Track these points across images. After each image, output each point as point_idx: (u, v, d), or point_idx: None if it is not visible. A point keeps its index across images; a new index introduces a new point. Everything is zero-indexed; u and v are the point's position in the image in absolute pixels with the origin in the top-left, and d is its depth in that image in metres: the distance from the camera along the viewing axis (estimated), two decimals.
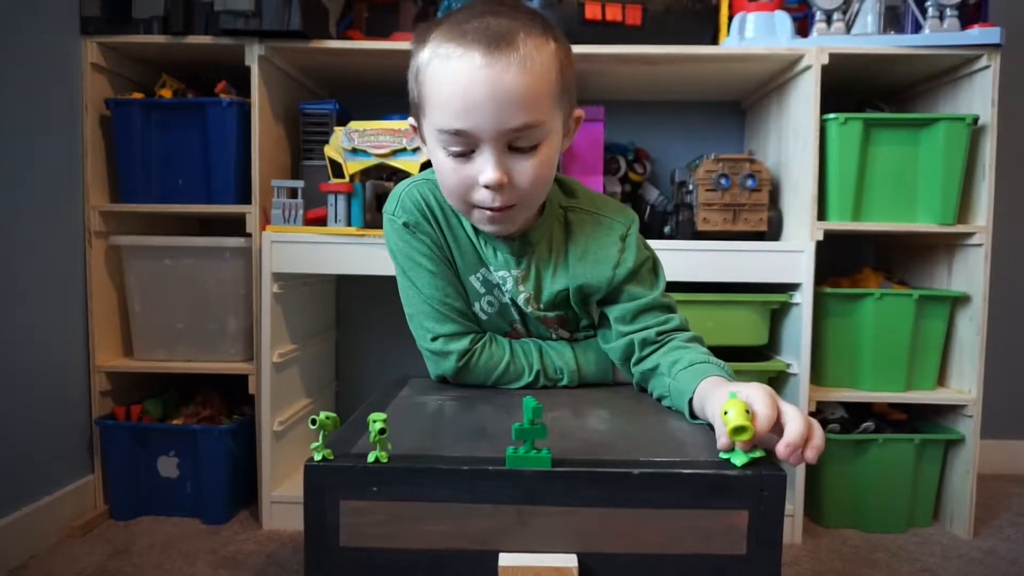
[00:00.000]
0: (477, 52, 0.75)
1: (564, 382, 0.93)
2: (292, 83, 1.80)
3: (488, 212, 0.83)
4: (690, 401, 0.75)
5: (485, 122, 0.77)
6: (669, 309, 0.92)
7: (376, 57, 1.65)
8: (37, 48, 1.50)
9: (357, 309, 2.09)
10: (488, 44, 0.75)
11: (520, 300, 0.92)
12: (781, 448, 0.61)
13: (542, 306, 0.93)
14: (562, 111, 0.83)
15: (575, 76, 0.86)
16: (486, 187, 0.80)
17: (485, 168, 0.79)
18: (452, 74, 0.77)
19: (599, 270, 0.89)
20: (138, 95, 1.68)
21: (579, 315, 0.95)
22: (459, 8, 0.84)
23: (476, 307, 0.94)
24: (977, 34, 1.54)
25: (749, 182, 1.66)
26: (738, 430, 0.60)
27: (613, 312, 0.91)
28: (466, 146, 0.79)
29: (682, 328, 0.90)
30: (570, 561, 0.60)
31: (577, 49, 1.56)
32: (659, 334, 0.88)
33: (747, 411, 0.61)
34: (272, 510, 1.64)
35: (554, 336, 0.97)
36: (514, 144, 0.79)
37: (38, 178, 1.51)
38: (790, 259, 1.60)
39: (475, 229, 0.91)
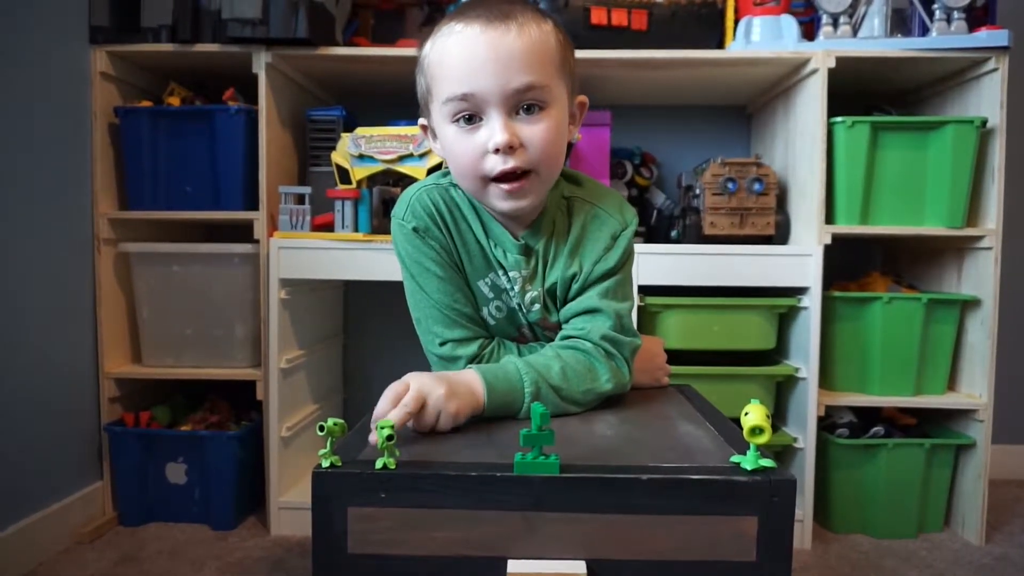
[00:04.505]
0: (477, 24, 0.80)
1: None
2: (299, 90, 1.81)
3: (504, 186, 0.83)
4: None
5: (489, 83, 0.79)
6: (618, 324, 0.88)
7: (382, 64, 1.66)
8: (46, 57, 1.51)
9: (364, 315, 2.10)
10: (488, 17, 0.80)
11: (526, 301, 0.92)
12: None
13: (545, 303, 0.93)
14: (565, 85, 0.85)
15: (576, 65, 0.89)
16: (497, 151, 0.81)
17: (494, 132, 0.81)
18: (454, 45, 0.81)
19: (583, 263, 0.89)
20: (146, 103, 1.69)
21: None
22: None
23: (484, 312, 0.94)
24: (985, 36, 1.54)
25: (756, 186, 1.66)
26: (755, 431, 0.60)
27: (565, 308, 0.91)
28: (473, 111, 0.81)
29: (599, 337, 0.86)
30: (578, 568, 0.60)
31: (583, 54, 1.58)
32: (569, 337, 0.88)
33: (767, 415, 0.61)
34: (280, 516, 1.64)
35: None
36: (520, 108, 0.81)
37: (47, 185, 1.52)
38: (798, 263, 1.59)
39: (485, 232, 0.91)
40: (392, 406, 0.71)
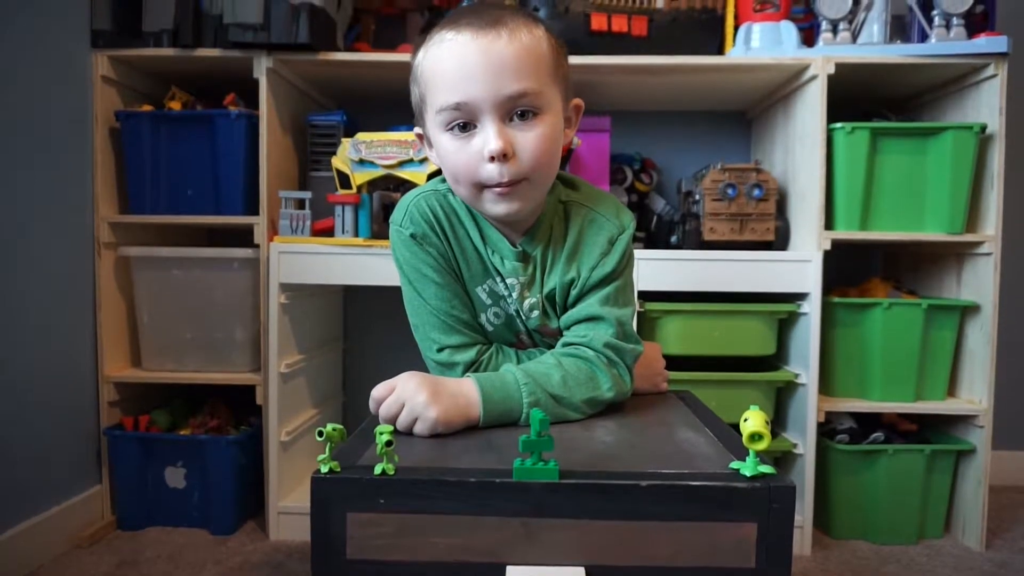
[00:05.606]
0: (468, 31, 0.80)
1: None
2: (300, 95, 1.81)
3: (496, 189, 0.83)
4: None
5: (481, 90, 0.79)
6: (620, 331, 0.88)
7: (383, 69, 1.66)
8: (48, 61, 1.51)
9: (364, 319, 2.10)
10: (479, 24, 0.80)
11: (525, 307, 0.92)
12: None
13: (545, 309, 0.93)
14: (559, 90, 0.85)
15: (569, 69, 0.89)
16: (492, 159, 0.80)
17: (488, 140, 0.80)
18: (446, 53, 0.81)
19: (581, 268, 0.89)
20: (148, 107, 1.70)
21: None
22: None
23: (483, 318, 0.94)
24: (984, 43, 1.54)
25: (756, 192, 1.66)
26: (754, 437, 0.60)
27: (566, 315, 0.91)
28: (467, 119, 0.81)
29: (601, 345, 0.86)
30: (578, 574, 0.60)
31: (583, 60, 1.58)
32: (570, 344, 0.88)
33: (766, 421, 0.61)
34: (279, 521, 1.64)
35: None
36: (514, 115, 0.81)
37: (48, 189, 1.52)
38: (797, 269, 1.59)
39: (482, 239, 0.91)
40: (377, 406, 0.77)
